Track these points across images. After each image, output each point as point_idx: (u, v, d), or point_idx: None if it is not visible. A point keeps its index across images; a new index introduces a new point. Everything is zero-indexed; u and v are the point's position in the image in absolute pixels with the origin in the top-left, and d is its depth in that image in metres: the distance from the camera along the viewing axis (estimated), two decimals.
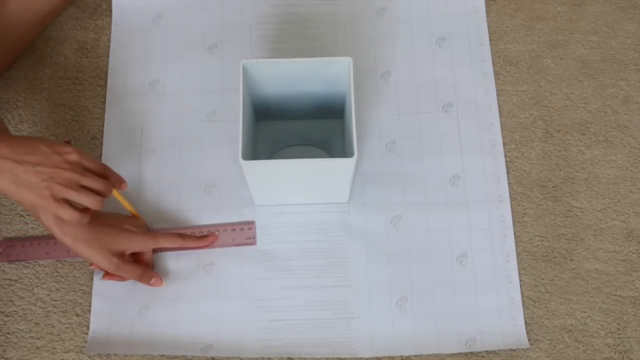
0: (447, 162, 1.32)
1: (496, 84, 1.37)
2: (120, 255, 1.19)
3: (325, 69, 1.19)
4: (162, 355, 1.21)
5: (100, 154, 1.33)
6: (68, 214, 1.07)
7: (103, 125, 1.35)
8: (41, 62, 1.39)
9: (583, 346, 1.22)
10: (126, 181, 1.16)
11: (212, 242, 1.26)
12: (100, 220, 1.18)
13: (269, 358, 1.21)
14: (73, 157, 1.07)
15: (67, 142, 1.10)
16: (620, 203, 1.30)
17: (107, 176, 1.13)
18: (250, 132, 1.23)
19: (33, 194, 1.05)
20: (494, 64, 1.39)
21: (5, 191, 1.05)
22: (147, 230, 1.26)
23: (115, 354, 1.21)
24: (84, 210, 1.10)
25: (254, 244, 1.27)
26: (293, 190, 1.25)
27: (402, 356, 1.21)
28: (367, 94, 1.37)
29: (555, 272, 1.26)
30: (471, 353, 1.21)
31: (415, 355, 1.21)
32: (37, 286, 1.25)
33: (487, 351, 1.21)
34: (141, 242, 1.21)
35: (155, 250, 1.26)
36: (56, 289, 1.25)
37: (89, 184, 1.08)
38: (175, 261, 1.26)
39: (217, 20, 1.41)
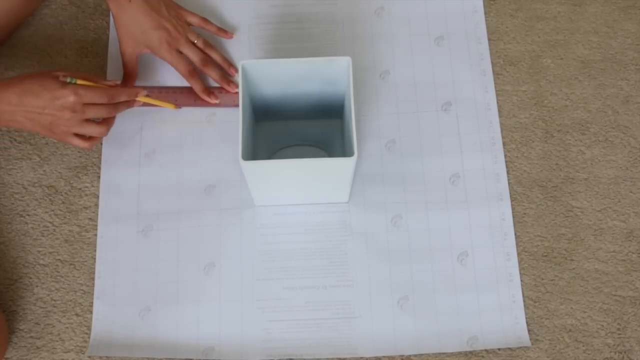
0: (446, 160, 1.32)
1: (496, 84, 1.38)
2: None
3: (324, 69, 1.19)
4: (164, 358, 1.21)
5: (100, 155, 1.33)
6: (77, 143, 1.24)
7: None
8: (41, 62, 1.38)
9: (583, 346, 1.22)
10: (143, 88, 1.31)
11: (137, 93, 1.29)
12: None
13: (270, 359, 1.21)
14: (70, 99, 1.19)
15: (64, 81, 1.20)
16: (620, 203, 1.30)
17: (115, 98, 1.24)
18: (250, 132, 1.23)
19: (44, 130, 1.21)
20: (494, 64, 1.39)
21: (23, 128, 1.22)
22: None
23: (116, 357, 1.21)
24: (92, 137, 1.25)
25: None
26: (293, 190, 1.25)
27: (403, 355, 1.21)
28: (366, 94, 1.37)
29: (555, 272, 1.26)
30: (471, 353, 1.21)
31: (417, 355, 1.21)
32: (37, 286, 1.25)
33: (487, 351, 1.21)
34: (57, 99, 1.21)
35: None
36: (56, 289, 1.25)
37: (91, 116, 1.22)
38: (176, 263, 1.26)
39: (215, 21, 1.40)
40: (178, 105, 1.35)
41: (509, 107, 1.36)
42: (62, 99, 1.18)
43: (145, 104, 1.32)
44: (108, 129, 1.26)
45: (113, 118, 1.28)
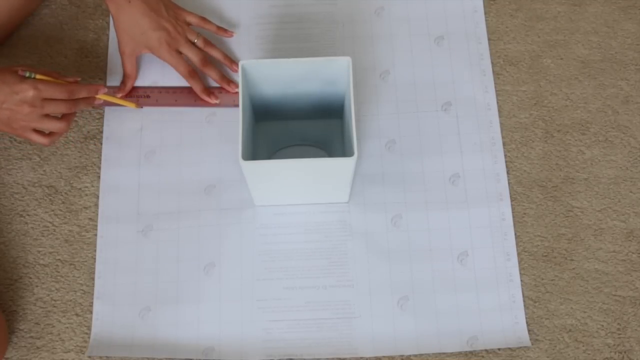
0: (446, 160, 1.32)
1: (496, 84, 1.38)
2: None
3: (324, 69, 1.19)
4: (164, 358, 1.21)
5: (100, 155, 1.33)
6: (36, 139, 1.23)
7: (103, 126, 1.35)
8: (41, 62, 1.38)
9: (583, 346, 1.22)
10: (103, 85, 1.31)
11: (97, 90, 1.27)
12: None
13: (270, 359, 1.21)
14: (29, 94, 1.17)
15: (23, 76, 1.19)
16: (620, 203, 1.30)
17: (75, 94, 1.23)
18: (250, 132, 1.23)
19: (3, 125, 1.19)
20: (494, 64, 1.39)
21: None
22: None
23: (116, 357, 1.21)
24: (51, 133, 1.24)
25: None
26: (293, 190, 1.25)
27: (403, 355, 1.21)
28: (366, 94, 1.37)
29: (555, 272, 1.26)
30: (471, 353, 1.21)
31: (417, 355, 1.21)
32: (37, 286, 1.25)
33: (487, 351, 1.21)
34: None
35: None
36: (56, 289, 1.25)
37: (50, 112, 1.21)
38: (176, 263, 1.26)
39: (215, 22, 1.40)
40: (139, 105, 1.35)
41: (509, 107, 1.36)
42: (21, 93, 1.17)
43: (105, 102, 1.32)
44: (68, 125, 1.24)
45: (73, 114, 1.27)
